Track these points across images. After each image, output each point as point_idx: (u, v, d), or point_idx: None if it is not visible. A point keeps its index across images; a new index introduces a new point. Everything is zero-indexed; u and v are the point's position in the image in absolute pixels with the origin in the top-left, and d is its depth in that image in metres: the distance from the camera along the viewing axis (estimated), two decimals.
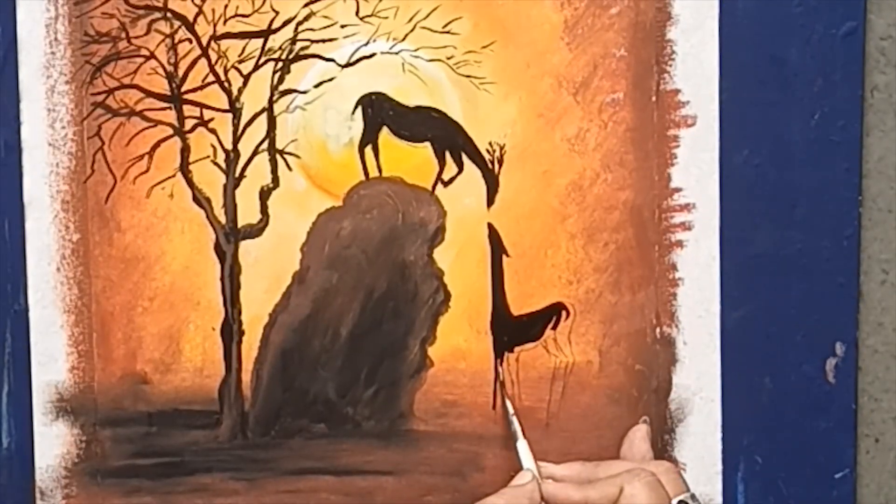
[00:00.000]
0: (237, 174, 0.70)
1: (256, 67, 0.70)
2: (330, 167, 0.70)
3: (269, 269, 0.71)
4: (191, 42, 0.70)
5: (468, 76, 0.69)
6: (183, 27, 0.69)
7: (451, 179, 0.70)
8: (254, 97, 0.70)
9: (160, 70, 0.70)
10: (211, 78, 0.70)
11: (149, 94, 0.70)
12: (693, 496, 0.58)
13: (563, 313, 0.70)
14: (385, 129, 0.70)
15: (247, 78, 0.70)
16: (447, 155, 0.70)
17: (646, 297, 0.69)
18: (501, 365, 0.70)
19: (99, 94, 0.70)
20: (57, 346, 0.71)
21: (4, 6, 0.69)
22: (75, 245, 0.71)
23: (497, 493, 0.60)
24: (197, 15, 0.69)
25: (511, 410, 0.68)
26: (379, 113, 0.70)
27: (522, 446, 0.65)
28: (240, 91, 0.70)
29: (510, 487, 0.61)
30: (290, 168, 0.70)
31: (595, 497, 0.57)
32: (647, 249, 0.69)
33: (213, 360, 0.71)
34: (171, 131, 0.70)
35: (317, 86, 0.70)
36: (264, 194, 0.70)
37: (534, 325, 0.70)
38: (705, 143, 0.68)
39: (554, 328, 0.70)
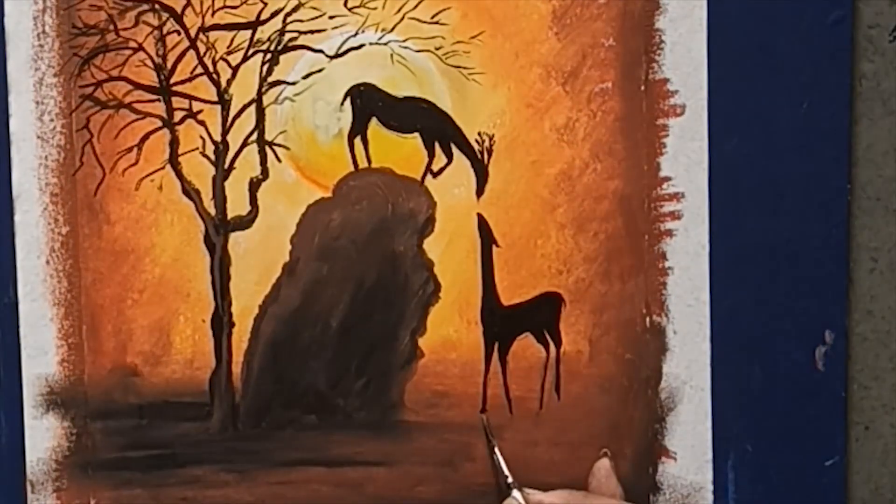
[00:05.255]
0: (226, 166, 0.70)
1: (245, 59, 0.69)
2: (319, 158, 0.70)
3: (259, 261, 0.70)
4: (179, 34, 0.69)
5: (457, 66, 0.69)
6: (171, 19, 0.69)
7: (441, 170, 0.70)
8: (242, 89, 0.70)
9: (148, 62, 0.70)
10: (199, 70, 0.70)
11: (137, 86, 0.70)
12: None
13: (555, 303, 0.70)
14: (374, 120, 0.70)
15: (235, 69, 0.70)
16: (436, 146, 0.70)
17: (636, 286, 0.69)
18: (485, 412, 0.70)
19: (87, 86, 0.70)
20: (47, 339, 0.71)
21: None
22: (64, 238, 0.71)
23: None
24: (185, 6, 0.69)
25: (501, 460, 0.67)
26: (368, 104, 0.70)
27: (517, 495, 0.65)
28: (228, 83, 0.70)
29: None
30: (279, 159, 0.70)
31: None
32: (636, 239, 0.69)
33: (203, 352, 0.71)
34: (159, 123, 0.70)
35: (305, 77, 0.70)
36: (254, 186, 0.70)
37: (524, 315, 0.70)
38: (694, 133, 0.68)
39: (546, 319, 0.70)
